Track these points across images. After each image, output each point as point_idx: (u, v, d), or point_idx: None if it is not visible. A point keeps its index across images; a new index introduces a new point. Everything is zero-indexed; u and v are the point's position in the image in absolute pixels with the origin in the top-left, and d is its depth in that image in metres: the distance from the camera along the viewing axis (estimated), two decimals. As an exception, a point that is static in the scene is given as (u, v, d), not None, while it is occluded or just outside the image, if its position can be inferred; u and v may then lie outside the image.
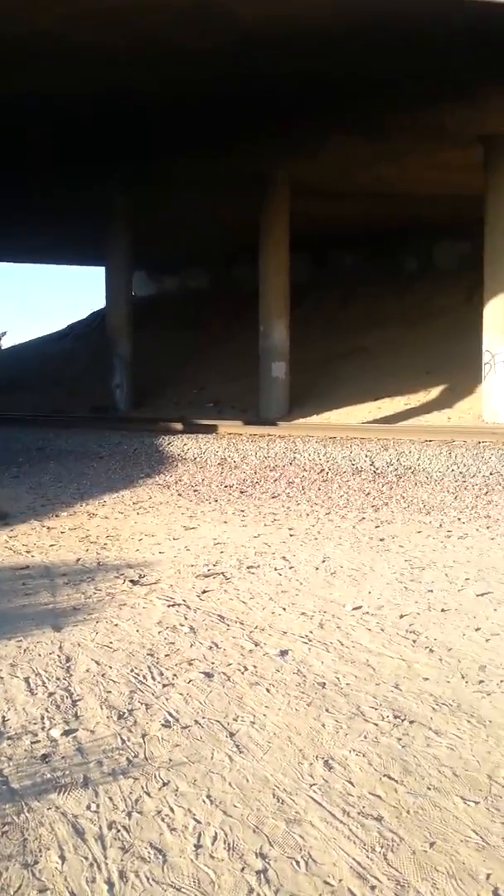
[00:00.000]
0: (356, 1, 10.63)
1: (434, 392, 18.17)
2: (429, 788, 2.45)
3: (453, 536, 6.20)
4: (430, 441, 12.32)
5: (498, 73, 12.72)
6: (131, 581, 4.87)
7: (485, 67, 12.53)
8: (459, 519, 6.96)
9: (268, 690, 3.20)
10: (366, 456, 10.82)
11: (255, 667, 3.46)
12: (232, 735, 2.81)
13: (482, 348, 15.59)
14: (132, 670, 3.42)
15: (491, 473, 9.34)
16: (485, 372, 15.56)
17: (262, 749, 2.71)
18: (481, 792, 2.43)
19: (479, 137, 14.82)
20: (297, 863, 2.09)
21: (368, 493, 8.46)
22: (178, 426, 15.83)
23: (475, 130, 14.64)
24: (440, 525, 6.69)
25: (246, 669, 3.43)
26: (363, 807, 2.36)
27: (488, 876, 2.03)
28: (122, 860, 2.11)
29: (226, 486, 9.07)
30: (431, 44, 11.85)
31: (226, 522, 6.87)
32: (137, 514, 7.35)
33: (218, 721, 2.92)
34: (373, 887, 1.99)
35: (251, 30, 11.74)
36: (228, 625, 4.04)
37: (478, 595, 4.55)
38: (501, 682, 3.27)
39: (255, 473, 10.02)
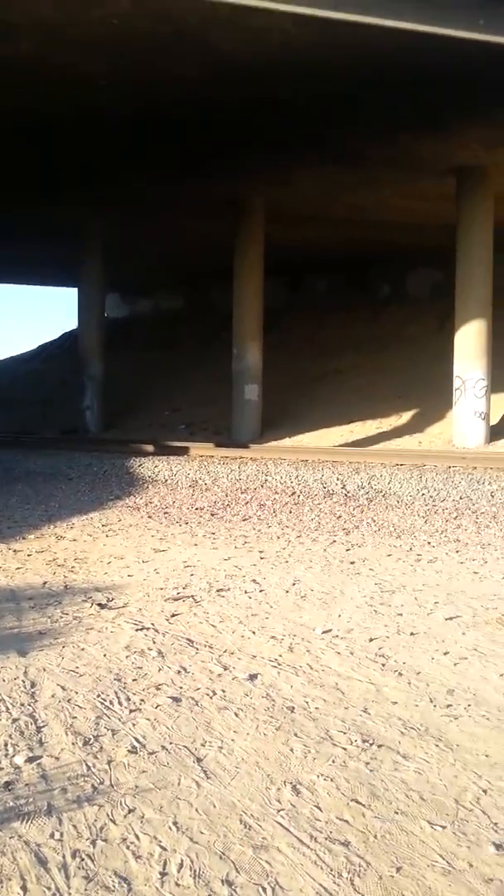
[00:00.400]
0: (332, 36, 10.85)
1: (406, 416, 18.36)
2: (396, 813, 2.44)
3: (423, 560, 6.24)
4: (401, 465, 12.43)
5: (471, 109, 13.04)
6: (99, 605, 4.82)
7: (460, 102, 12.83)
8: (429, 543, 7.00)
9: (236, 715, 3.18)
10: (337, 479, 10.87)
11: (223, 691, 3.43)
12: (199, 760, 2.78)
13: (453, 374, 15.81)
14: (99, 695, 3.38)
15: (460, 498, 9.43)
16: (455, 398, 15.78)
17: (230, 774, 2.68)
18: (448, 816, 2.43)
19: (452, 169, 15.14)
20: (264, 889, 2.07)
21: (339, 517, 8.48)
22: (150, 448, 15.80)
23: (449, 162, 14.96)
24: (410, 549, 6.72)
25: (214, 694, 3.40)
26: (330, 832, 2.34)
27: (454, 901, 2.03)
28: (85, 889, 2.07)
29: (197, 509, 9.04)
30: (408, 77, 12.12)
31: (196, 545, 6.84)
32: (106, 536, 7.29)
33: (185, 746, 2.89)
34: (339, 914, 1.98)
35: (228, 58, 11.92)
36: (197, 649, 4.01)
37: (447, 619, 4.58)
38: (469, 706, 3.29)
39: (227, 496, 10.01)
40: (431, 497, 9.56)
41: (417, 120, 13.50)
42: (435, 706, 3.28)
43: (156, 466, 12.66)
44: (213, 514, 8.67)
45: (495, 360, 15.79)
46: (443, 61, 11.53)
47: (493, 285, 15.67)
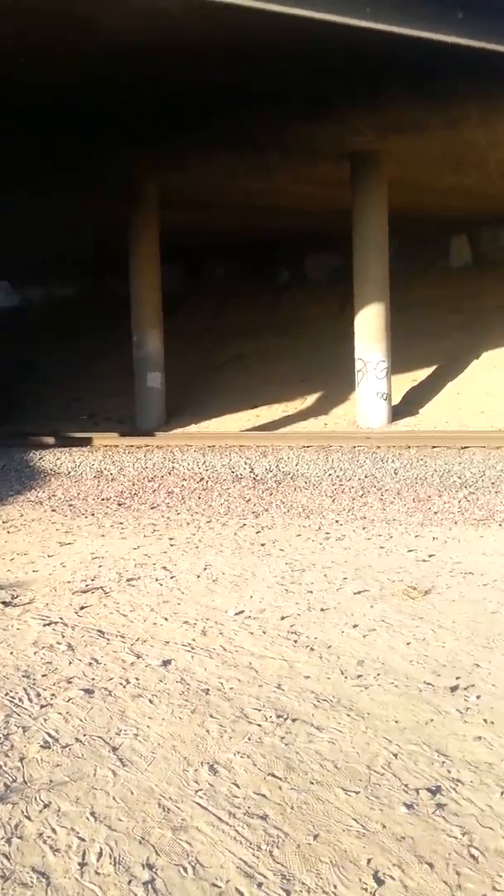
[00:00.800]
0: (219, 18, 10.78)
1: (310, 399, 18.62)
2: (311, 783, 2.50)
3: (331, 538, 6.37)
4: (308, 447, 12.61)
5: (362, 95, 13.24)
6: (3, 603, 4.69)
7: (350, 88, 12.99)
8: (337, 521, 7.15)
9: (150, 701, 3.16)
10: (245, 463, 10.93)
11: (137, 679, 3.41)
12: (115, 749, 2.76)
13: (355, 357, 16.14)
14: (7, 694, 3.29)
15: (366, 476, 9.67)
16: (357, 379, 16.11)
17: (147, 760, 2.68)
18: (361, 782, 2.50)
19: (346, 154, 15.37)
20: (185, 869, 2.08)
21: (249, 500, 8.54)
22: (50, 440, 15.42)
23: (343, 148, 15.16)
24: (319, 528, 6.85)
25: (128, 682, 3.37)
26: (248, 807, 2.37)
27: (369, 861, 2.10)
28: (2, 889, 2.03)
29: (103, 499, 8.91)
30: (299, 62, 12.18)
31: (104, 536, 6.75)
32: (8, 532, 7.09)
33: (100, 737, 2.86)
34: (259, 884, 2.01)
35: (115, 37, 11.65)
36: (109, 639, 3.96)
37: (355, 593, 4.69)
38: (378, 675, 3.39)
39: (134, 485, 9.91)
40: (338, 477, 9.76)
41: (309, 106, 13.61)
42: (346, 678, 3.37)
43: (58, 458, 12.37)
44: (120, 504, 8.56)
45: (394, 342, 16.21)
46: (332, 47, 11.65)
47: (390, 269, 16.05)
